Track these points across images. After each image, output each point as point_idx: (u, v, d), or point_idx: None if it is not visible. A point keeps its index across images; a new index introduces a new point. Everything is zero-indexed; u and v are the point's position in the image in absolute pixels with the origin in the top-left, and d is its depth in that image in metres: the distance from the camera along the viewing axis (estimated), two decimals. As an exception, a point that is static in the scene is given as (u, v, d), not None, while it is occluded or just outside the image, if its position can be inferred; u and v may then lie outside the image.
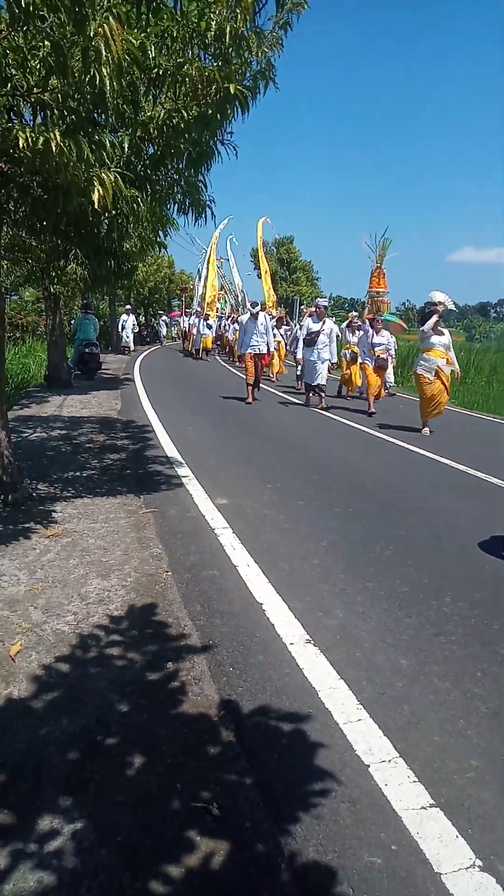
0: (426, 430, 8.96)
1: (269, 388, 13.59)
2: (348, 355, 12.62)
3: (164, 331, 33.01)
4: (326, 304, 11.74)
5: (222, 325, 26.31)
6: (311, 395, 11.60)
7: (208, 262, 25.36)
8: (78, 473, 6.01)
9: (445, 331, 8.87)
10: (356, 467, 6.81)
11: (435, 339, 8.66)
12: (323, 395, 11.42)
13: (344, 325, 13.46)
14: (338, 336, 12.59)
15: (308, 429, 9.43)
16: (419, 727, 2.39)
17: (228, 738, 2.28)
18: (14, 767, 2.08)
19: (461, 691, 2.63)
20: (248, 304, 12.23)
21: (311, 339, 11.08)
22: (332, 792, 2.03)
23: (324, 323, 11.12)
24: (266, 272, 23.87)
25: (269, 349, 11.93)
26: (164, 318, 34.68)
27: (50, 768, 2.09)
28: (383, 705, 2.51)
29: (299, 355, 11.80)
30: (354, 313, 13.79)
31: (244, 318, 12.15)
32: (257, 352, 11.50)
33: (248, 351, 11.50)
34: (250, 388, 11.68)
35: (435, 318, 8.60)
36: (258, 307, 11.88)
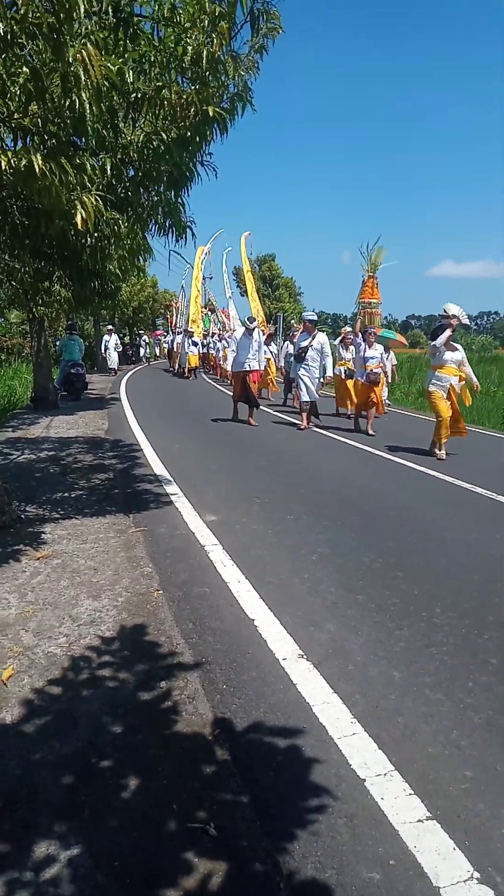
0: (442, 454, 8.17)
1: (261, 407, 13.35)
2: (343, 372, 12.06)
3: (142, 350, 32.82)
4: (314, 318, 10.98)
5: (209, 342, 25.87)
6: (305, 413, 10.75)
7: (193, 279, 25.05)
8: (66, 494, 5.98)
9: (458, 346, 8.34)
10: (343, 480, 6.84)
11: (448, 355, 8.14)
12: (306, 411, 10.83)
13: (337, 340, 12.86)
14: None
15: (294, 444, 9.45)
16: (413, 739, 2.39)
17: (223, 756, 2.27)
18: (8, 793, 2.06)
19: (454, 702, 2.63)
20: (246, 319, 11.34)
21: (299, 355, 10.58)
22: (329, 807, 2.02)
23: (313, 338, 10.50)
24: (253, 289, 23.56)
25: (259, 366, 11.44)
26: (144, 337, 34.58)
27: (44, 793, 2.06)
28: (377, 718, 2.51)
29: (292, 373, 11.22)
30: (348, 328, 12.97)
31: (238, 333, 11.46)
32: (247, 369, 11.00)
33: (240, 369, 11.05)
34: (236, 405, 11.35)
35: (448, 332, 8.07)
36: (254, 322, 11.17)
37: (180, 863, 1.81)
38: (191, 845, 1.87)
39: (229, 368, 12.20)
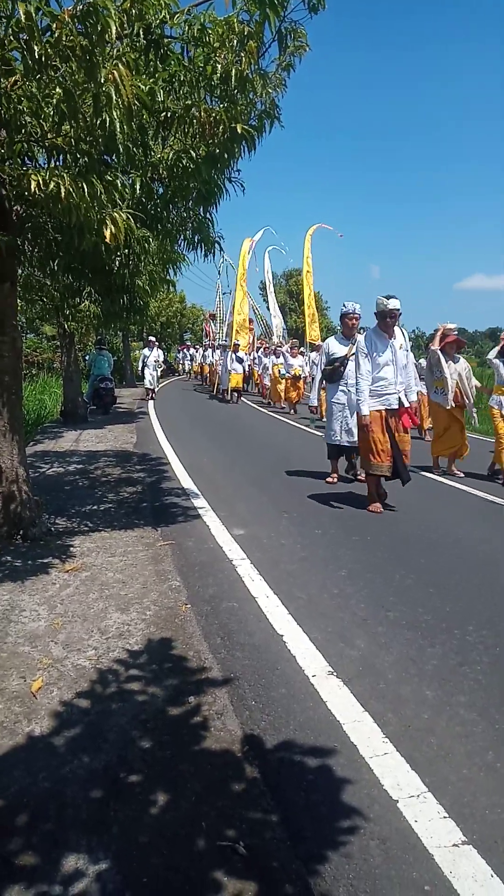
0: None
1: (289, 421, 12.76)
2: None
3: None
4: (356, 311, 6.94)
5: (253, 357, 22.00)
6: (340, 461, 7.44)
7: (237, 282, 21.58)
8: (95, 507, 6.03)
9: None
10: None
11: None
12: (335, 458, 7.34)
13: (495, 351, 7.76)
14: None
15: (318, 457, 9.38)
16: (447, 760, 2.33)
17: (253, 774, 2.24)
18: (37, 807, 2.05)
19: (488, 722, 2.56)
20: (350, 311, 6.63)
21: (333, 371, 6.98)
22: (361, 829, 1.97)
23: (354, 343, 6.57)
24: (311, 295, 20.78)
25: (406, 401, 5.96)
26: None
27: (73, 808, 2.05)
28: (410, 738, 2.46)
29: (313, 400, 7.83)
30: None
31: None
32: (388, 406, 5.80)
33: (378, 407, 5.78)
34: (376, 501, 5.98)
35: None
36: (390, 304, 5.73)
37: (210, 882, 1.78)
38: (221, 864, 1.83)
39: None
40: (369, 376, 5.75)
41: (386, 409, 5.77)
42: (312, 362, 15.40)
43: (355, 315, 6.89)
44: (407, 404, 5.91)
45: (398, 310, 5.75)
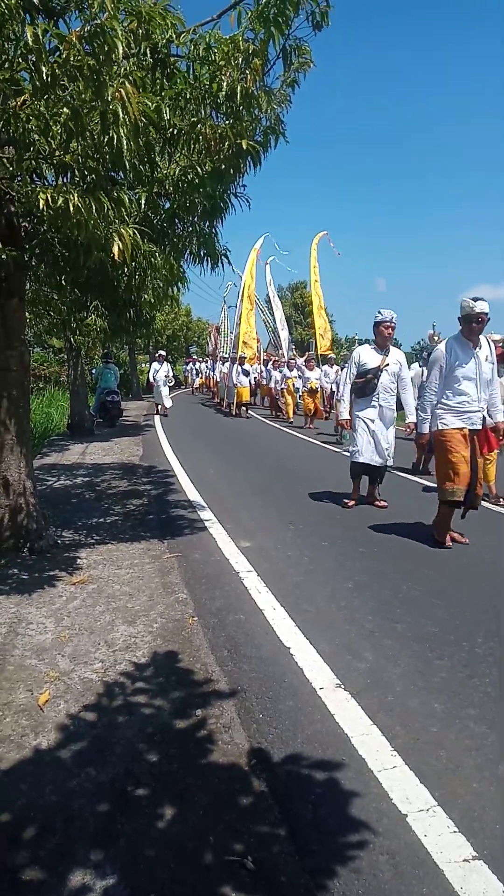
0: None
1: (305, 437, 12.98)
2: None
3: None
4: (392, 319, 6.22)
5: (261, 370, 20.91)
6: (356, 481, 6.70)
7: (243, 293, 20.39)
8: (102, 519, 6.04)
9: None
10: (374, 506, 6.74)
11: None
12: (378, 483, 6.72)
13: None
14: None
15: (323, 464, 9.39)
16: (457, 774, 2.31)
17: (260, 787, 2.22)
18: (44, 821, 2.05)
19: (498, 735, 2.54)
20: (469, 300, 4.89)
21: (365, 384, 6.26)
22: (370, 843, 1.96)
23: (387, 353, 6.29)
24: (320, 304, 20.26)
25: (492, 420, 5.23)
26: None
27: (80, 821, 2.05)
28: (418, 751, 2.44)
29: (344, 414, 6.62)
30: None
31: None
32: (472, 426, 5.00)
33: (459, 425, 4.97)
34: (447, 532, 5.21)
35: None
36: (477, 307, 4.84)
37: (217, 897, 1.77)
38: (228, 879, 1.82)
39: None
40: (440, 392, 5.05)
41: (469, 429, 4.98)
42: (325, 375, 15.43)
43: (392, 323, 6.23)
44: (493, 423, 5.18)
45: (486, 313, 4.87)
